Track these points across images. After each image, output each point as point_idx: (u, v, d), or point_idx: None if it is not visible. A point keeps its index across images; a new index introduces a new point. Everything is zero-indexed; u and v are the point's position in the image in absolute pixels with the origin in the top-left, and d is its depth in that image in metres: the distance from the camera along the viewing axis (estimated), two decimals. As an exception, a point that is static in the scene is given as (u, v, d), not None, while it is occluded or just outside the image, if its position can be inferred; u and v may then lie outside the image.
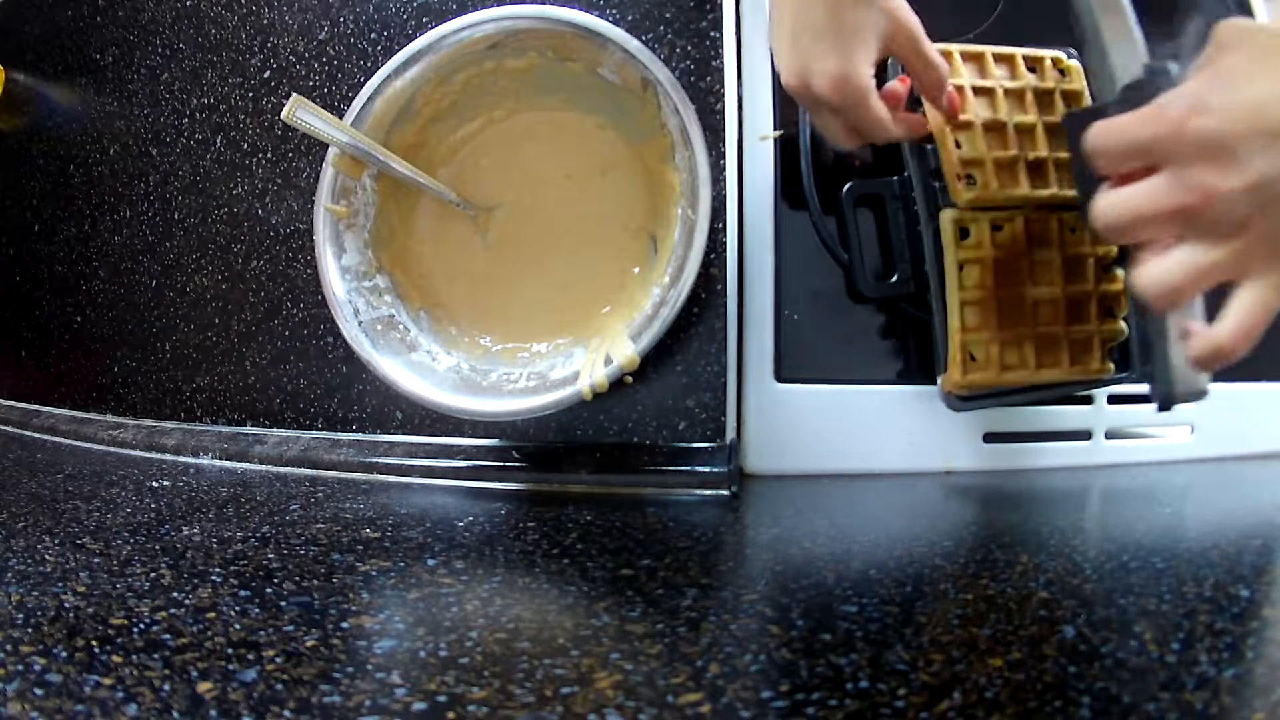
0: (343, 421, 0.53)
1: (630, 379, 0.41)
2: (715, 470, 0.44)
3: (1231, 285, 0.28)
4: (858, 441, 0.46)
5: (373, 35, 0.53)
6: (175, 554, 0.34)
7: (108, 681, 0.24)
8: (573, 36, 0.43)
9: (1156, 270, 0.29)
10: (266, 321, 0.55)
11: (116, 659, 0.25)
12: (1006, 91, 0.43)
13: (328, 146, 0.44)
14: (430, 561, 0.34)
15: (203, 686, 0.23)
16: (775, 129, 0.47)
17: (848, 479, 0.46)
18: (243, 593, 0.30)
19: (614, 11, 0.49)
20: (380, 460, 0.49)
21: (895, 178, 0.45)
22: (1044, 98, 0.44)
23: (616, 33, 0.42)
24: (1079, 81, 0.44)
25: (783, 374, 0.46)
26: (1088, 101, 0.44)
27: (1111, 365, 0.43)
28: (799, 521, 0.40)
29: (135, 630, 0.27)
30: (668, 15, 0.48)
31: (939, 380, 0.44)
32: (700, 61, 0.48)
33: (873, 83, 0.35)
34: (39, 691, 0.23)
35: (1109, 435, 0.47)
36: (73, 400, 0.65)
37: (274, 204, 0.56)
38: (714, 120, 0.47)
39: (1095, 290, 0.43)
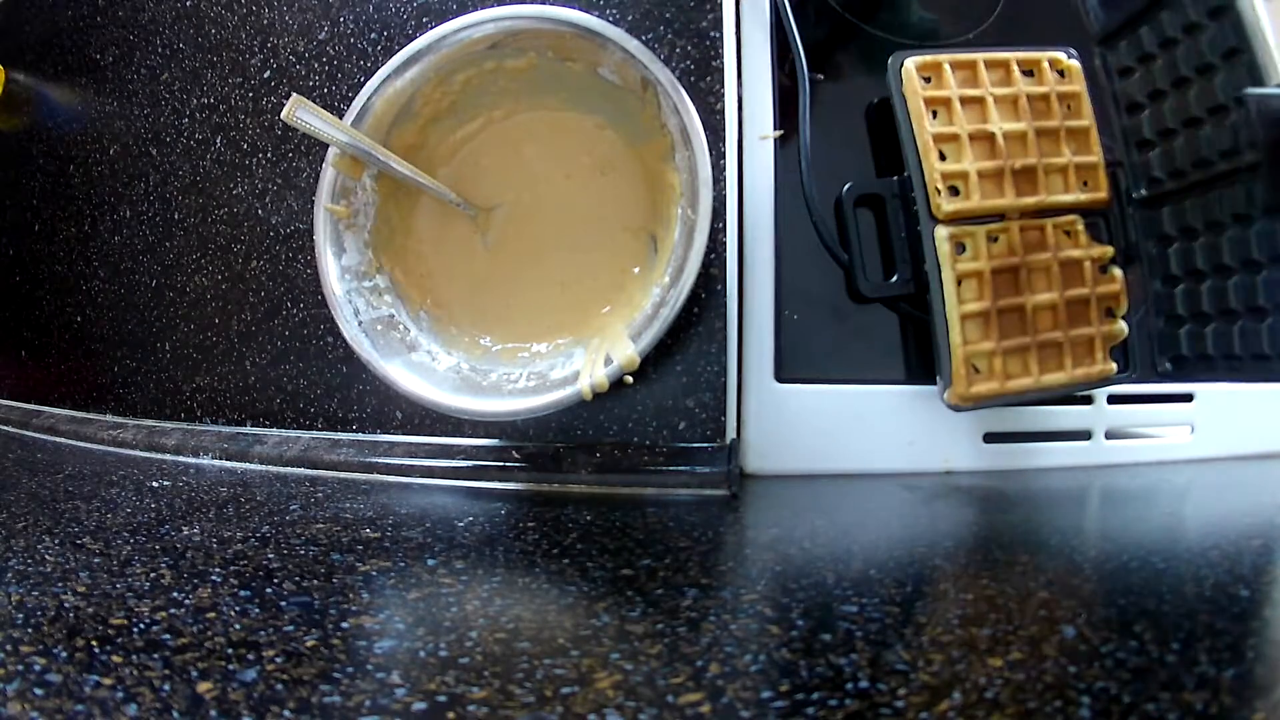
0: (343, 421, 0.53)
1: (630, 379, 0.41)
2: (715, 470, 0.44)
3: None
4: (858, 441, 0.46)
5: (373, 35, 0.53)
6: (175, 554, 0.34)
7: (108, 681, 0.24)
8: (572, 36, 0.43)
9: None
10: (266, 321, 0.55)
11: (116, 659, 0.25)
12: (997, 99, 0.43)
13: (328, 146, 0.44)
14: (430, 561, 0.34)
15: (203, 686, 0.23)
16: (775, 129, 0.47)
17: (848, 479, 0.46)
18: (243, 593, 0.30)
19: (614, 11, 0.49)
20: (380, 460, 0.49)
21: (895, 178, 0.45)
22: (1038, 103, 0.44)
23: (616, 33, 0.42)
24: (1078, 82, 0.44)
25: (783, 374, 0.46)
26: (1087, 101, 0.44)
27: (1113, 365, 0.43)
28: (799, 521, 0.40)
29: (135, 630, 0.27)
30: (668, 15, 0.48)
31: (944, 393, 0.43)
32: (700, 61, 0.48)
33: None
34: (39, 691, 0.23)
35: (1109, 435, 0.47)
36: (73, 400, 0.65)
37: (274, 204, 0.56)
38: (714, 120, 0.47)
39: (1093, 292, 0.43)
